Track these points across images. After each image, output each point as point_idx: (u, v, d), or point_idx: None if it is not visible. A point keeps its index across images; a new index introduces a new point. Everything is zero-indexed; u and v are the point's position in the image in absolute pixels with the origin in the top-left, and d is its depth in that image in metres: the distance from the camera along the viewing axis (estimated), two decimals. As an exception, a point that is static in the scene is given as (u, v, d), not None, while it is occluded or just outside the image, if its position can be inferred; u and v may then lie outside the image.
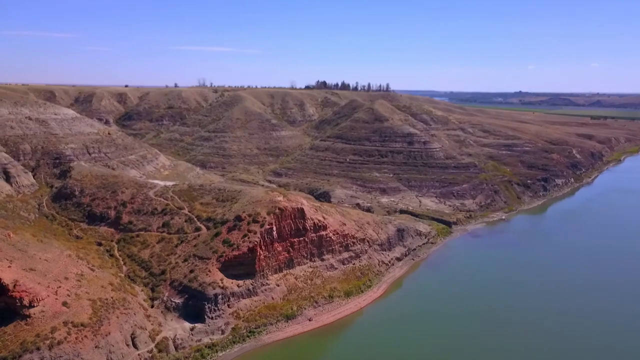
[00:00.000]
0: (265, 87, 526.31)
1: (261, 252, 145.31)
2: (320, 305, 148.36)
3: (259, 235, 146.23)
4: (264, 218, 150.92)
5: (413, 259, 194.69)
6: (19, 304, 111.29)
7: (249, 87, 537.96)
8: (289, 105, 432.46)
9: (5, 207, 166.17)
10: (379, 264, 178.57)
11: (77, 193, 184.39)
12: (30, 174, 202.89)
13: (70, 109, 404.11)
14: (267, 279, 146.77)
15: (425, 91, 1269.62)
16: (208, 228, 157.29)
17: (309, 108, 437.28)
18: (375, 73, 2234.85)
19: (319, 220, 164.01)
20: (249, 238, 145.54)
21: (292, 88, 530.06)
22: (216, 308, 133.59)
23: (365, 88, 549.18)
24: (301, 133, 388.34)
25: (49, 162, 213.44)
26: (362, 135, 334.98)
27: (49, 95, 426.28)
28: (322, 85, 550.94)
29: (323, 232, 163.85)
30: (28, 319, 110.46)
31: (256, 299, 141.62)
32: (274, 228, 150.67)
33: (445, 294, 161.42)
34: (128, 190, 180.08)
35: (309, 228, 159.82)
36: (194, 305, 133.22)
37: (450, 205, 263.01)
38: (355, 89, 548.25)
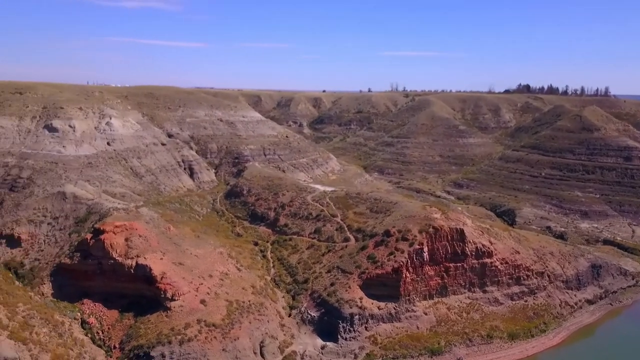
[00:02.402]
0: (460, 92, 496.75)
1: (407, 275, 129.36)
2: (474, 345, 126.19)
3: (406, 255, 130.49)
4: (415, 236, 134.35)
5: (611, 304, 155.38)
6: (162, 296, 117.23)
7: (442, 91, 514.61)
8: (482, 111, 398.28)
9: (182, 200, 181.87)
10: (560, 305, 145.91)
11: (244, 192, 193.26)
12: (212, 171, 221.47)
13: (272, 112, 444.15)
14: (414, 305, 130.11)
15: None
16: (357, 239, 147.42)
17: (505, 114, 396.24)
18: (590, 74, 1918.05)
19: (484, 245, 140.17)
20: (394, 257, 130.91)
21: (489, 92, 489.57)
22: (352, 329, 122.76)
23: (577, 92, 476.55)
24: (492, 141, 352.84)
25: (230, 161, 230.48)
26: (564, 146, 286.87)
27: (256, 99, 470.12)
28: (525, 89, 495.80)
29: (487, 260, 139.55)
30: (168, 312, 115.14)
31: (398, 326, 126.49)
32: (426, 249, 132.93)
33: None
34: (288, 193, 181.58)
35: (469, 253, 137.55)
36: (329, 322, 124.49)
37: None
38: (565, 93, 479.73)
